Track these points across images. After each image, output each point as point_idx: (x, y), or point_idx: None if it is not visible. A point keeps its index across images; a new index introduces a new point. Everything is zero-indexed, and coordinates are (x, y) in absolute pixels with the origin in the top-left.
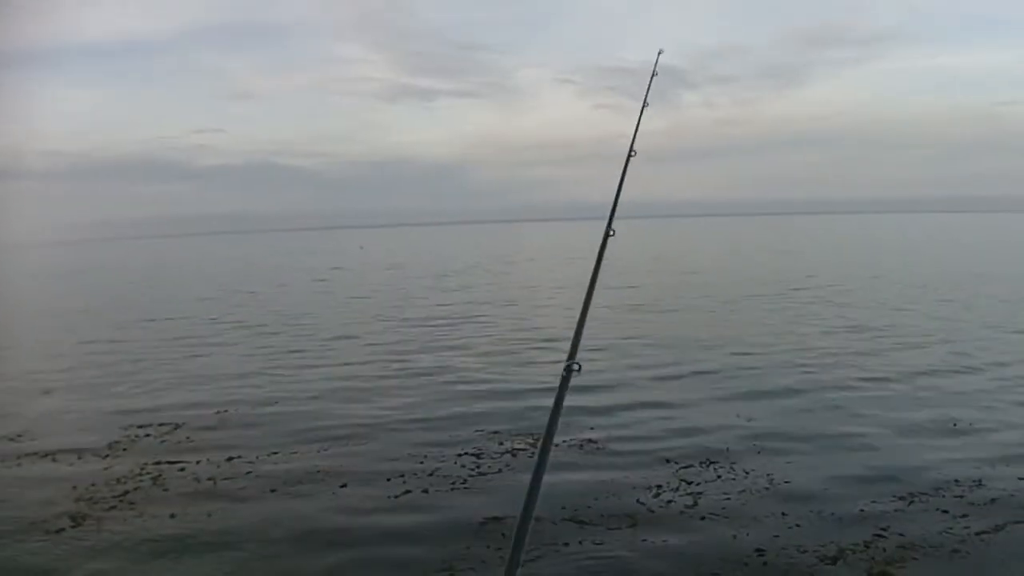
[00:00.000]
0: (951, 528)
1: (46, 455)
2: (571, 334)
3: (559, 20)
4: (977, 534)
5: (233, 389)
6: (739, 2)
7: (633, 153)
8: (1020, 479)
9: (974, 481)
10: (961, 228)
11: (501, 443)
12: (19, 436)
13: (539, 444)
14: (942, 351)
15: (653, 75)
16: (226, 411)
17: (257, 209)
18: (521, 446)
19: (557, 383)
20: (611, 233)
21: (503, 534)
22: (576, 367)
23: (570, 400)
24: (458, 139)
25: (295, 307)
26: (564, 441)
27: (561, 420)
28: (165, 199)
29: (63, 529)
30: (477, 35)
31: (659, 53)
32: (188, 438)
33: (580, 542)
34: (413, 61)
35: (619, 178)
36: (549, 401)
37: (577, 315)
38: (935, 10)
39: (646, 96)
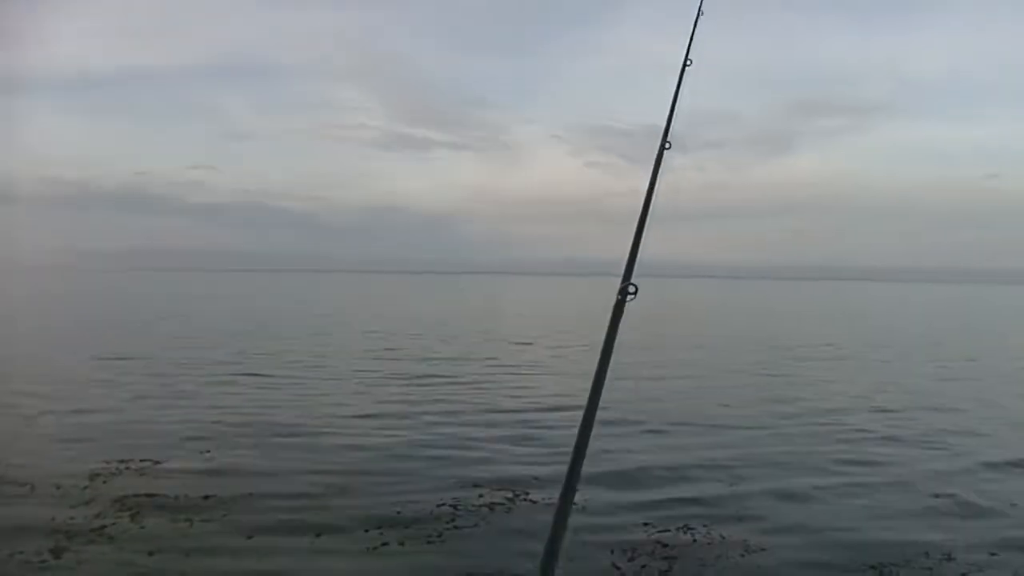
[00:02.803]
0: None
1: (24, 483)
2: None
3: (556, 79)
4: None
5: (216, 427)
6: (731, 70)
7: (687, 65)
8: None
9: (944, 554)
10: (954, 300)
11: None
12: None
13: (591, 384)
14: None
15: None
16: (208, 451)
17: (251, 248)
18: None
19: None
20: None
21: None
22: (632, 289)
23: (551, 465)
24: (452, 190)
25: None
26: (542, 499)
27: (537, 482)
28: (158, 232)
29: (44, 561)
30: (475, 90)
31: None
32: (168, 474)
33: None
34: (410, 110)
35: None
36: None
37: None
38: (924, 84)
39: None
